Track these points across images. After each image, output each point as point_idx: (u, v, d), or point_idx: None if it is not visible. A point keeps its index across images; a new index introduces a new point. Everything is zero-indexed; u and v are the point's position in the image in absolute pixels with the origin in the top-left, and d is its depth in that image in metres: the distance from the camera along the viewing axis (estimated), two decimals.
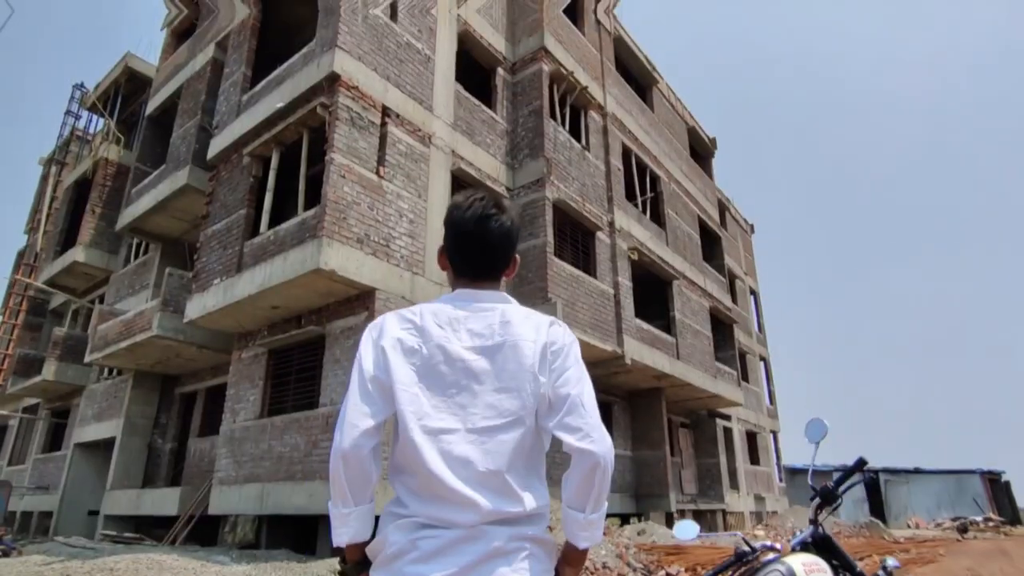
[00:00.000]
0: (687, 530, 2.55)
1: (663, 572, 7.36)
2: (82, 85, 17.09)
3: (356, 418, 1.29)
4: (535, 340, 1.34)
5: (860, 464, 2.44)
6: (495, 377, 1.32)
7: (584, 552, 1.34)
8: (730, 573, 2.38)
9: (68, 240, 16.35)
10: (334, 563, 6.84)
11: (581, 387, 1.33)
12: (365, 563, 1.35)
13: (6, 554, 9.46)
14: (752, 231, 27.99)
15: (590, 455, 1.26)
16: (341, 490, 1.30)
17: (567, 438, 1.28)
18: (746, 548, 2.41)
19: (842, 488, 2.49)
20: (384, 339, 1.36)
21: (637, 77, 16.95)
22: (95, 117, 18.40)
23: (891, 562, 2.46)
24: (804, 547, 2.37)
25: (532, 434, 1.33)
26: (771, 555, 2.28)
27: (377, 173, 8.69)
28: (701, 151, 20.33)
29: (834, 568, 2.33)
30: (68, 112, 16.91)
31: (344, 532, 1.33)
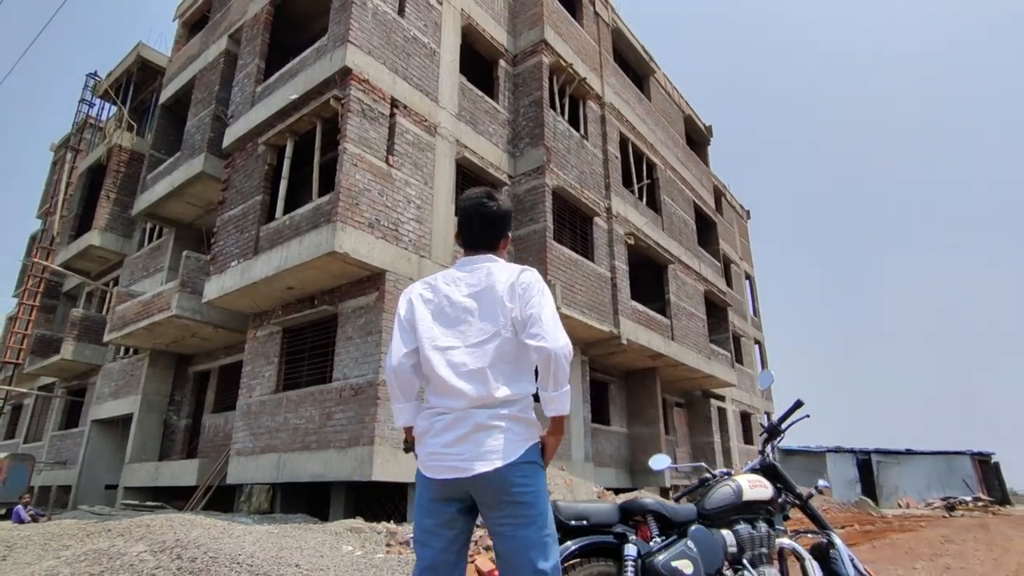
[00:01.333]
0: (660, 462, 3.09)
1: None
2: (95, 74, 17.48)
3: (397, 347, 1.98)
4: (506, 281, 1.95)
5: (798, 404, 2.97)
6: (481, 310, 1.94)
7: (558, 420, 1.89)
8: (697, 493, 2.93)
9: (83, 224, 16.84)
10: (349, 523, 7.44)
11: (540, 308, 1.88)
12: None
13: (36, 519, 10.08)
14: (748, 217, 28.44)
15: (543, 350, 1.80)
16: (395, 393, 2.00)
17: (530, 342, 1.83)
18: (708, 475, 2.96)
19: (784, 425, 3.03)
20: (411, 295, 2.04)
21: (634, 67, 17.34)
22: (107, 104, 18.82)
23: (822, 483, 3.01)
24: (754, 472, 2.91)
25: (511, 343, 1.88)
26: (727, 478, 2.83)
27: (387, 161, 9.18)
28: (697, 139, 20.75)
29: (778, 490, 2.87)
30: (82, 100, 17.30)
31: (400, 419, 2.03)
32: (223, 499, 10.84)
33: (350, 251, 8.25)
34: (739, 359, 22.57)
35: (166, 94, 15.00)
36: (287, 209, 9.58)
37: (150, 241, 15.34)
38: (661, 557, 2.23)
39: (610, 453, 13.90)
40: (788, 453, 29.11)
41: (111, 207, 15.70)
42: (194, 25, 15.45)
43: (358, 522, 7.51)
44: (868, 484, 28.02)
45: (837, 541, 2.76)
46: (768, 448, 3.00)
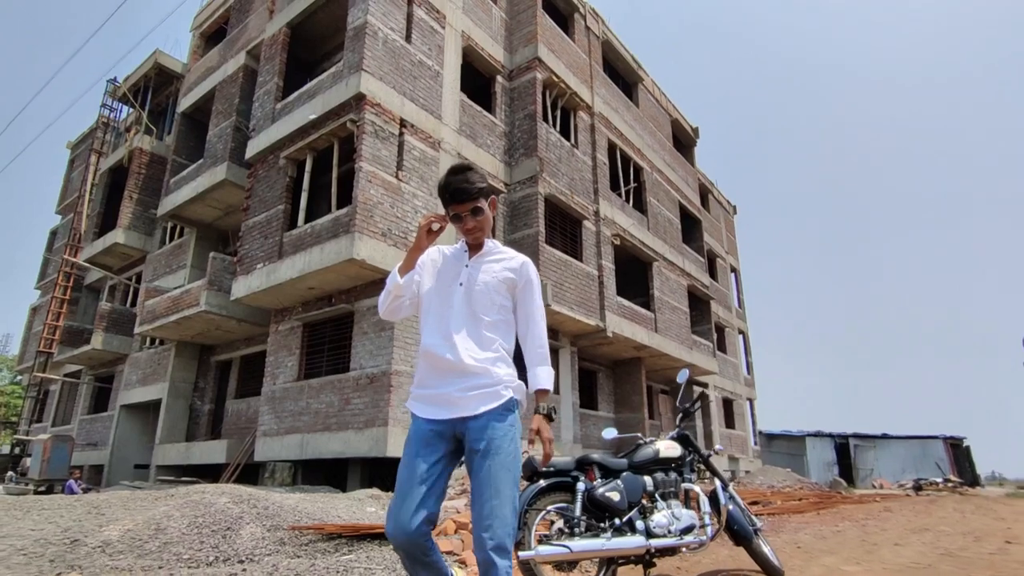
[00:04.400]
0: (609, 432, 4.31)
1: None
2: (115, 79, 18.50)
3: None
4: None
5: (689, 381, 4.18)
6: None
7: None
8: (631, 452, 4.15)
9: (105, 223, 17.96)
10: (367, 492, 8.70)
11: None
12: None
13: (86, 492, 11.35)
14: (735, 212, 29.64)
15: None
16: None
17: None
18: (640, 440, 4.19)
19: (689, 405, 4.27)
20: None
21: (624, 76, 18.45)
22: (122, 106, 19.84)
23: (718, 447, 4.24)
24: (671, 439, 4.14)
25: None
26: (651, 442, 4.06)
27: (396, 176, 10.36)
28: (684, 140, 21.89)
29: (687, 451, 4.10)
30: (103, 105, 18.34)
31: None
32: (247, 476, 12.12)
33: (367, 258, 9.45)
34: (722, 348, 23.88)
35: (186, 102, 16.07)
36: (307, 217, 10.76)
37: (171, 239, 16.49)
38: (600, 490, 3.48)
39: (598, 436, 15.21)
40: (771, 437, 30.61)
41: (134, 207, 16.83)
42: (211, 37, 16.48)
43: (375, 491, 8.77)
44: (845, 466, 29.54)
45: (724, 487, 4.01)
46: (681, 423, 4.23)
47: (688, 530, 3.58)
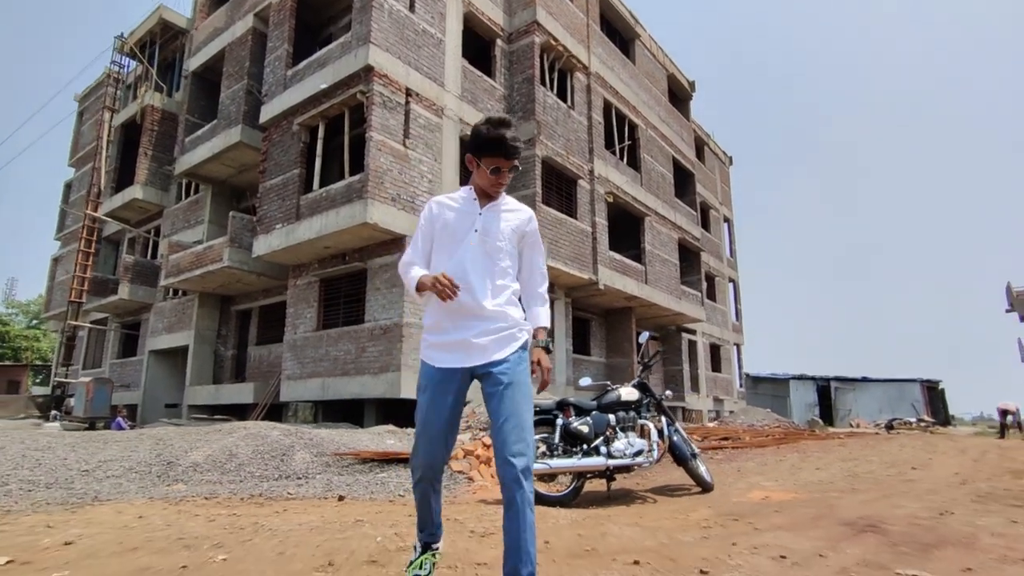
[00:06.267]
0: (584, 380, 5.46)
1: None
2: (122, 35, 18.90)
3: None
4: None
5: (647, 338, 5.33)
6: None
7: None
8: (600, 395, 5.31)
9: (121, 178, 18.78)
10: (384, 428, 10.00)
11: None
12: None
13: (132, 427, 12.73)
14: (730, 163, 30.23)
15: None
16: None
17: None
18: (608, 387, 5.34)
19: (648, 360, 5.40)
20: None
21: (621, 32, 18.84)
22: (129, 61, 20.25)
23: (668, 392, 5.40)
24: (633, 386, 5.29)
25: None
26: (616, 388, 5.21)
27: (404, 144, 11.21)
28: (680, 95, 22.37)
29: (644, 395, 5.25)
30: (113, 62, 18.82)
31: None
32: (272, 415, 13.48)
33: (379, 221, 10.44)
34: (712, 297, 25.07)
35: (195, 62, 16.61)
36: (321, 182, 11.67)
37: (186, 195, 17.36)
38: (573, 424, 4.65)
39: (609, 381, 16.56)
40: (757, 380, 32.26)
41: (149, 163, 17.63)
42: None
43: (391, 427, 10.08)
44: (826, 407, 31.36)
45: (670, 423, 5.19)
46: (641, 374, 5.37)
47: (639, 453, 4.78)
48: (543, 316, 2.33)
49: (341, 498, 4.58)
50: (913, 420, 30.15)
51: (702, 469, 5.22)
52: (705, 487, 5.12)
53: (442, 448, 2.15)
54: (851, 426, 30.06)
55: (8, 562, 2.71)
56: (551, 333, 14.34)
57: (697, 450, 5.31)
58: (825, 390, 31.58)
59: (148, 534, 3.21)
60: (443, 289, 2.04)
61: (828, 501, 4.52)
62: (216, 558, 2.70)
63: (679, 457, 5.09)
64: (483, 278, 2.17)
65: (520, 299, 2.32)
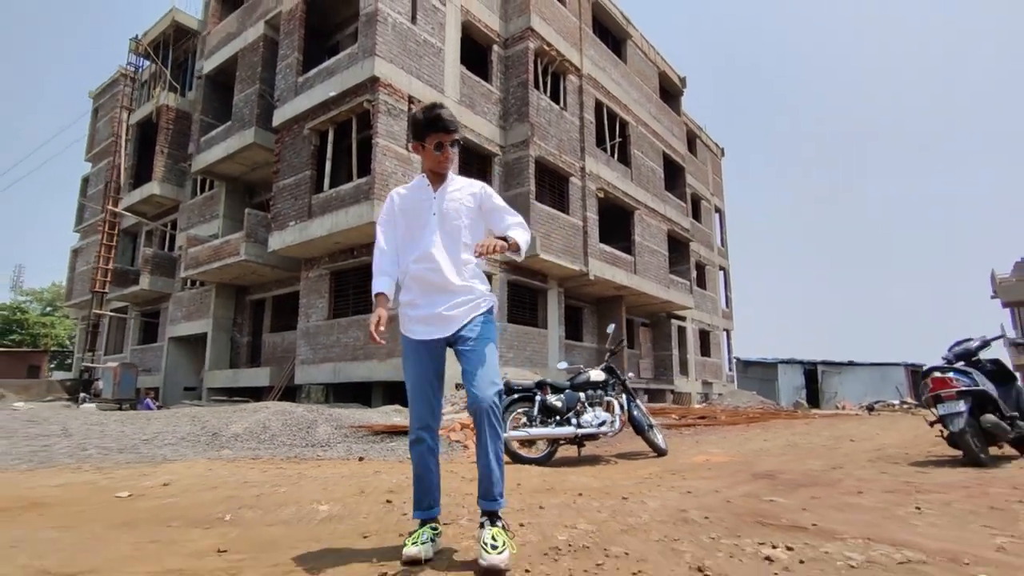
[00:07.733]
0: (561, 364, 6.51)
1: None
2: (137, 37, 19.81)
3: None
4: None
5: (613, 328, 6.39)
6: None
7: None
8: (574, 377, 6.35)
9: (138, 174, 19.80)
10: (390, 407, 11.10)
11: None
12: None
13: (160, 408, 13.87)
14: (722, 155, 31.09)
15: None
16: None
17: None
18: (580, 370, 6.39)
19: (613, 347, 6.45)
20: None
21: (613, 32, 19.68)
22: (142, 61, 21.17)
23: (630, 374, 6.50)
24: (602, 369, 6.34)
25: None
26: (587, 371, 6.27)
27: (407, 148, 12.19)
28: (671, 91, 23.22)
29: (610, 376, 6.30)
30: (128, 64, 19.75)
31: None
32: (286, 396, 14.60)
33: None
34: (702, 285, 26.11)
35: (209, 65, 17.53)
36: (331, 183, 12.68)
37: (201, 191, 18.38)
38: (549, 399, 5.73)
39: (581, 364, 17.66)
40: (747, 364, 33.37)
41: (165, 160, 18.63)
42: None
43: (397, 407, 11.18)
44: (813, 391, 32.49)
45: (631, 399, 6.24)
46: (608, 359, 6.42)
47: (603, 424, 5.84)
48: (519, 234, 2.41)
49: (361, 459, 5.67)
50: (896, 403, 31.31)
51: (659, 438, 6.29)
52: (660, 452, 6.20)
53: (429, 408, 2.35)
54: (837, 408, 31.21)
55: (129, 495, 3.79)
56: (545, 323, 15.49)
57: (653, 422, 6.39)
58: (812, 373, 32.71)
59: (221, 479, 4.30)
60: (371, 333, 2.33)
61: (754, 462, 5.59)
62: (279, 490, 3.78)
63: (637, 428, 6.16)
64: (447, 257, 2.36)
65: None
